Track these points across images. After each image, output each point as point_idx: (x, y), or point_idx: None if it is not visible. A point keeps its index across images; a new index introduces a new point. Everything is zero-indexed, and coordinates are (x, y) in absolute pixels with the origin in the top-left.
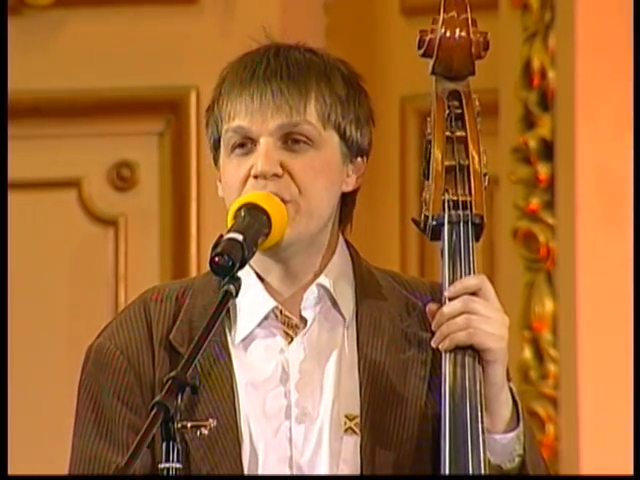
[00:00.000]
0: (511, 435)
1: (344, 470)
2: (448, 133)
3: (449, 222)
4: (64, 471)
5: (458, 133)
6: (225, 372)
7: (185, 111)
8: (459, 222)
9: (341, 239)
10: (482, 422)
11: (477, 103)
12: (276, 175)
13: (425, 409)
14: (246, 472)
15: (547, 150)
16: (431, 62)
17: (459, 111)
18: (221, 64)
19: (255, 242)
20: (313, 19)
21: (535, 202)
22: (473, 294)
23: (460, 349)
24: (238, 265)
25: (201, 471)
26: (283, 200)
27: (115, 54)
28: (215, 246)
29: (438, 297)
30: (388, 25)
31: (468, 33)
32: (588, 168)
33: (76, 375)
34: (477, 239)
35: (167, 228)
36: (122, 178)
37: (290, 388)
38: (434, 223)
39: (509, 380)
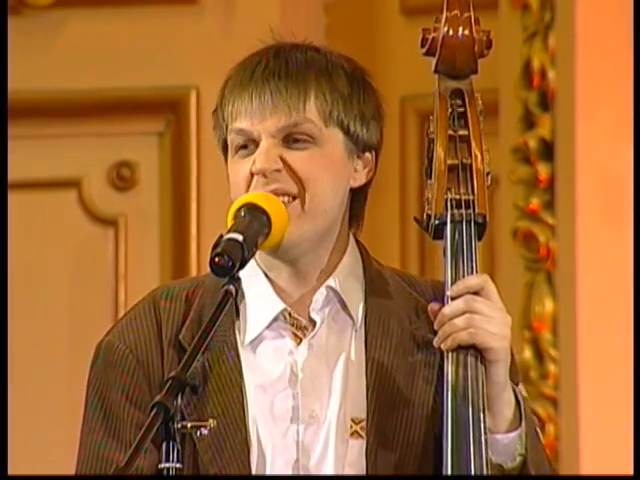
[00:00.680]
0: (513, 435)
1: (349, 473)
2: (451, 132)
3: (452, 221)
4: (64, 471)
5: (461, 132)
6: (234, 373)
7: (185, 111)
8: (461, 221)
9: (351, 238)
10: (484, 422)
11: (480, 102)
12: (276, 170)
13: (432, 412)
14: (254, 474)
15: (547, 150)
16: (434, 61)
17: (462, 110)
18: (221, 64)
19: (255, 242)
20: (313, 19)
21: (535, 202)
22: (476, 293)
23: (462, 349)
24: (238, 265)
25: (209, 472)
26: (290, 195)
27: (115, 54)
28: (215, 246)
29: (440, 295)
30: (388, 25)
31: (471, 31)
32: (588, 168)
33: (76, 375)
34: (480, 238)
35: (167, 228)
36: (122, 178)
37: (298, 390)
38: (437, 222)
39: (519, 382)
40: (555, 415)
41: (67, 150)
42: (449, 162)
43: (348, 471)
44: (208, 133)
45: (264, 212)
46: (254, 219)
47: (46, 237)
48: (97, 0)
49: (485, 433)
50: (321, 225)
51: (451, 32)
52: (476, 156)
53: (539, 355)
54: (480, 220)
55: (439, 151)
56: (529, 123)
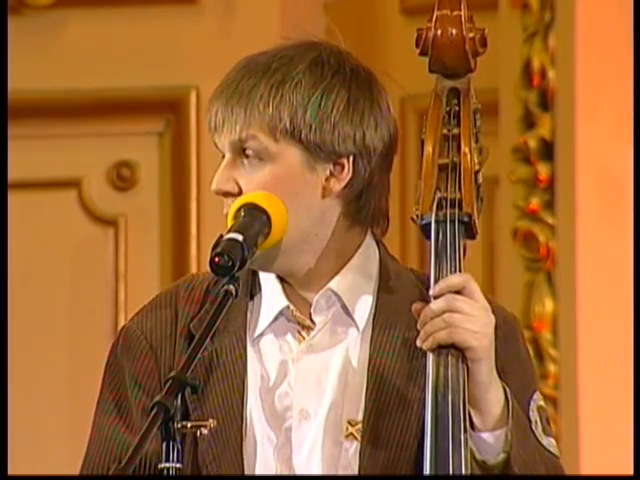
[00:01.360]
0: (498, 433)
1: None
2: (445, 131)
3: (436, 221)
4: (64, 471)
5: (455, 131)
6: (238, 366)
7: (185, 111)
8: (445, 221)
9: (368, 240)
10: (465, 421)
11: (475, 100)
12: (229, 193)
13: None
14: (245, 465)
15: (547, 150)
16: (427, 61)
17: (458, 108)
18: (221, 64)
19: (255, 242)
20: (313, 19)
21: (535, 202)
22: (458, 292)
23: (444, 348)
24: (238, 265)
25: (205, 460)
26: None
27: (115, 54)
28: (215, 246)
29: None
30: (388, 25)
31: (461, 31)
32: (588, 168)
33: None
34: (471, 237)
35: (167, 228)
36: (122, 178)
37: (292, 388)
38: (423, 222)
39: (535, 391)
40: (555, 415)
41: (67, 150)
42: (439, 161)
43: (340, 473)
44: (208, 133)
45: (264, 212)
46: (254, 219)
47: (46, 237)
48: (97, 0)
49: (465, 431)
50: (289, 239)
51: (440, 32)
52: (465, 154)
53: (539, 355)
54: (465, 219)
55: (427, 151)
56: (529, 123)
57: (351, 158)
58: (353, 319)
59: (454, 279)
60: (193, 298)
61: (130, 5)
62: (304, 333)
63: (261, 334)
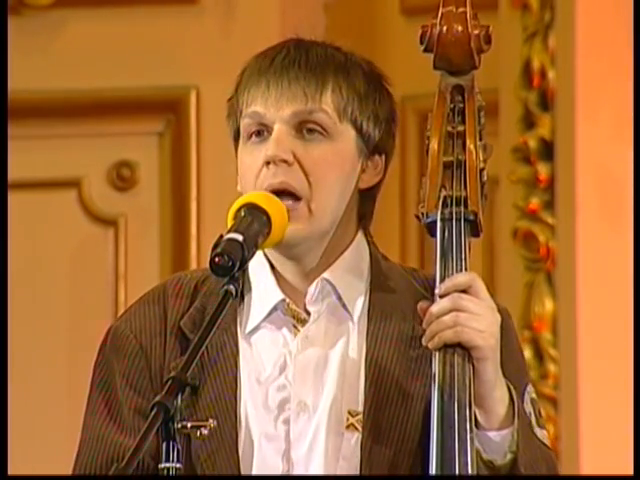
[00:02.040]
0: (504, 432)
1: (343, 467)
2: (450, 128)
3: (441, 219)
4: (64, 471)
5: (459, 128)
6: (230, 361)
7: (185, 111)
8: (451, 219)
9: (359, 235)
10: (471, 420)
11: (480, 98)
12: (285, 162)
13: (429, 407)
14: (241, 462)
15: (547, 150)
16: (432, 57)
17: (462, 106)
18: (221, 64)
19: (255, 242)
20: (313, 19)
21: (535, 202)
22: (464, 291)
23: (449, 347)
24: (238, 265)
25: (200, 457)
26: (294, 192)
27: (115, 54)
28: (215, 246)
29: (432, 289)
30: (388, 25)
31: (466, 27)
32: (588, 168)
33: (76, 374)
34: (475, 235)
35: (167, 228)
36: (122, 178)
37: (290, 381)
38: (428, 220)
39: (528, 383)
40: (555, 415)
41: (67, 150)
42: (444, 159)
43: (342, 464)
44: (208, 133)
45: (264, 212)
46: (254, 219)
47: (46, 237)
48: (97, 0)
49: (471, 431)
50: (326, 225)
51: (445, 28)
52: (470, 152)
53: (539, 355)
54: (471, 217)
55: (432, 148)
56: (529, 123)
57: (383, 157)
58: (348, 310)
59: (460, 278)
60: (182, 295)
61: (130, 5)
62: (299, 326)
63: (254, 329)
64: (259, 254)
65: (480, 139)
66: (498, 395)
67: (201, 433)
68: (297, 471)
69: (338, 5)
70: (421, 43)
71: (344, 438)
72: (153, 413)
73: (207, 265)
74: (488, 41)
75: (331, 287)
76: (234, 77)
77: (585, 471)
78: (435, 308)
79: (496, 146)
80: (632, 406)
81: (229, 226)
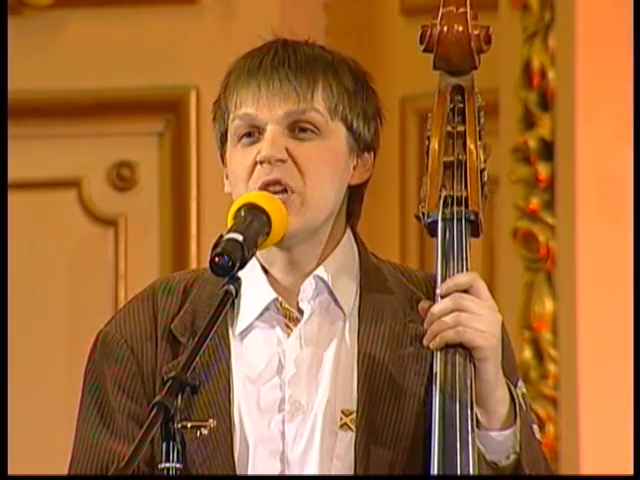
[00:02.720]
0: (507, 432)
1: (337, 466)
2: (449, 128)
3: (442, 219)
4: (64, 471)
5: (459, 128)
6: (222, 363)
7: (185, 111)
8: (452, 219)
9: (348, 233)
10: (472, 420)
11: (480, 98)
12: (281, 160)
13: (422, 405)
14: (237, 465)
15: (547, 150)
16: (432, 57)
17: (462, 106)
18: (221, 64)
19: (255, 242)
20: (313, 19)
21: (535, 202)
22: (465, 291)
23: (450, 347)
24: (238, 265)
25: (195, 462)
26: (289, 188)
27: (115, 54)
28: (215, 246)
29: (432, 288)
30: (388, 25)
31: (467, 28)
32: (588, 168)
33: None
34: (476, 235)
35: (167, 228)
36: (122, 178)
37: (285, 381)
38: (429, 220)
39: (518, 379)
40: (555, 415)
41: (67, 150)
42: (445, 159)
43: (336, 463)
44: (208, 133)
45: (264, 212)
46: (254, 219)
47: (46, 237)
48: (97, 0)
49: (473, 431)
50: (319, 218)
51: (446, 29)
52: (471, 152)
53: (539, 355)
54: (472, 217)
55: (433, 148)
56: (529, 123)
57: (372, 154)
58: (341, 308)
59: (461, 278)
60: (171, 298)
61: (130, 5)
62: (292, 325)
63: (247, 328)
64: None
65: (480, 139)
66: (499, 395)
67: (201, 433)
68: (293, 471)
69: (338, 5)
70: (421, 43)
71: (338, 438)
72: (153, 413)
73: (206, 265)
74: (488, 41)
75: (324, 284)
76: None
77: (585, 471)
78: (436, 308)
79: (496, 146)
80: (632, 406)
81: (229, 226)
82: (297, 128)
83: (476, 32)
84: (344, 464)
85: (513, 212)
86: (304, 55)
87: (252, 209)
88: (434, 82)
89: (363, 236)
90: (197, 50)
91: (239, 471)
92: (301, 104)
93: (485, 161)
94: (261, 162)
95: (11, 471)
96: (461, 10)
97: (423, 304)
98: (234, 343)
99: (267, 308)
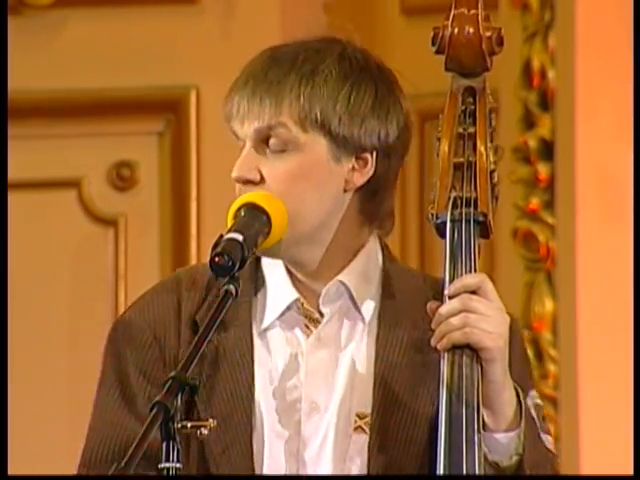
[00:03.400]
0: (512, 434)
1: (350, 468)
2: (460, 130)
3: (451, 220)
4: (64, 471)
5: (470, 130)
6: (246, 359)
7: (185, 111)
8: (461, 220)
9: (372, 240)
10: (478, 421)
11: (491, 99)
12: (251, 182)
13: (436, 412)
14: (255, 458)
15: (547, 150)
16: (442, 59)
17: (473, 107)
18: (221, 64)
19: (255, 242)
20: (313, 19)
21: (535, 202)
22: (474, 292)
23: (458, 348)
24: (238, 265)
25: (213, 452)
26: None
27: (115, 54)
28: (215, 246)
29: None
30: (388, 25)
31: (478, 29)
32: (588, 168)
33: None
34: (485, 236)
35: (167, 228)
36: (122, 178)
37: (302, 381)
38: (438, 221)
39: (532, 387)
40: (555, 415)
41: (67, 150)
42: (454, 160)
43: (349, 465)
44: (208, 133)
45: (264, 212)
46: (254, 219)
47: (46, 237)
48: (97, 0)
49: (479, 432)
50: (303, 230)
51: (457, 30)
52: (481, 154)
53: (539, 355)
54: (481, 219)
55: (443, 150)
56: (529, 123)
57: (374, 154)
58: (360, 312)
59: (469, 279)
60: (196, 287)
61: (130, 5)
62: (312, 326)
63: (268, 327)
64: None
65: (491, 141)
66: (506, 397)
67: (201, 433)
68: (307, 471)
69: (338, 5)
70: (433, 44)
71: (352, 440)
72: (153, 413)
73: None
74: (500, 43)
75: (345, 289)
76: (234, 77)
77: (585, 471)
78: (444, 309)
79: None
80: (632, 406)
81: (229, 226)
82: (269, 144)
83: (487, 34)
84: (358, 467)
85: (513, 212)
86: (282, 64)
87: (252, 209)
88: (434, 82)
89: None
90: (197, 50)
91: (256, 465)
92: (266, 120)
93: (495, 163)
94: (236, 181)
95: (11, 471)
96: (472, 12)
97: (431, 305)
98: (257, 339)
99: (288, 308)
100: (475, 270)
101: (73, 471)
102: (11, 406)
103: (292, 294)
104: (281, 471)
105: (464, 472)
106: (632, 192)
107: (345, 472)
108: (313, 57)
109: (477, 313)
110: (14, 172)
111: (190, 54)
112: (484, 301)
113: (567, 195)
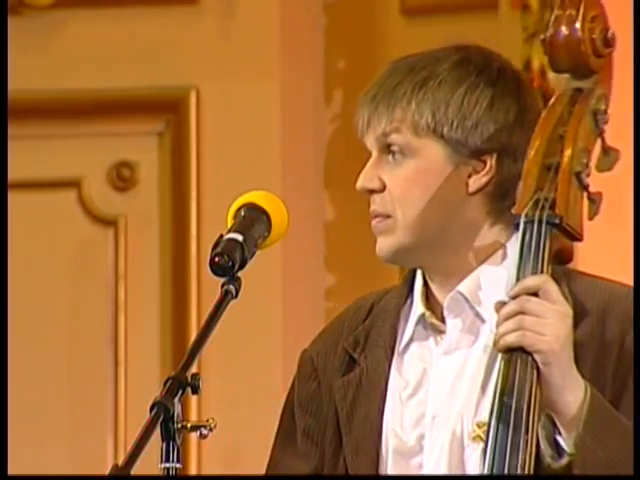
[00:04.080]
0: (572, 435)
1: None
2: (559, 131)
3: (524, 221)
4: (64, 471)
5: (564, 131)
6: (381, 380)
7: (185, 111)
8: (533, 221)
9: (511, 242)
10: (527, 423)
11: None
12: (373, 191)
13: None
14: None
15: None
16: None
17: (573, 109)
18: (221, 64)
19: (255, 242)
20: (313, 19)
21: None
22: (535, 295)
23: (514, 350)
24: (238, 265)
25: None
26: (385, 216)
27: (115, 54)
28: (215, 246)
29: (613, 305)
30: (388, 25)
31: (576, 31)
32: None
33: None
34: (572, 239)
35: (167, 228)
36: (122, 178)
37: (428, 396)
38: (516, 222)
39: None
40: None
41: (67, 150)
42: (545, 161)
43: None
44: (208, 133)
45: (264, 212)
46: (254, 219)
47: (46, 237)
48: (97, 0)
49: (526, 434)
50: (421, 236)
51: (556, 32)
52: (566, 155)
53: None
54: (556, 221)
55: (530, 151)
56: None
57: (494, 156)
58: (483, 319)
59: (530, 281)
60: (357, 317)
61: (130, 5)
62: (439, 338)
63: (407, 344)
64: None
65: (583, 142)
66: (569, 397)
67: (201, 433)
68: None
69: (338, 5)
70: (543, 46)
71: (470, 449)
72: (153, 413)
73: (207, 266)
74: (608, 45)
75: (464, 299)
76: (234, 77)
77: None
78: (504, 310)
79: None
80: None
81: (229, 226)
82: (389, 152)
83: (590, 35)
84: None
85: None
86: (396, 75)
87: (252, 209)
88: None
89: (366, 239)
90: (197, 50)
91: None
92: (383, 127)
93: (586, 165)
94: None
95: (11, 471)
96: (571, 12)
97: (497, 305)
98: (397, 358)
99: (417, 323)
100: (542, 272)
101: (73, 471)
102: (11, 406)
103: (419, 309)
104: None
105: (505, 472)
106: (632, 192)
107: None
108: (431, 64)
109: (533, 315)
110: (14, 172)
111: (190, 54)
112: (543, 303)
113: None
